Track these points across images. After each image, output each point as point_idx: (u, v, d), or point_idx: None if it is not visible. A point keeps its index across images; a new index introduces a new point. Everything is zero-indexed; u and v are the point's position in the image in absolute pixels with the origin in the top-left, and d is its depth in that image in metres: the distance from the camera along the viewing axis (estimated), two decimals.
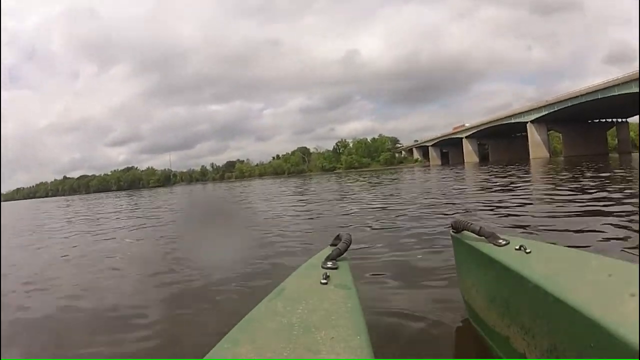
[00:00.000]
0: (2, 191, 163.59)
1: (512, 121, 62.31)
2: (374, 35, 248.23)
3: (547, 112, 55.40)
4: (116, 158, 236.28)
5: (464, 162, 70.23)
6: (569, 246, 1.67)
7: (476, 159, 72.37)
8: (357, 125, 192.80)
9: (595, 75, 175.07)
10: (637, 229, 3.78)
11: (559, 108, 53.10)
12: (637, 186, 7.95)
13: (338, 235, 1.83)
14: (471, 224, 1.72)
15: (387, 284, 2.86)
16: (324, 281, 1.33)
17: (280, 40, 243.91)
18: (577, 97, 50.08)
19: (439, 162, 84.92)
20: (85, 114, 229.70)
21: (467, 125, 78.04)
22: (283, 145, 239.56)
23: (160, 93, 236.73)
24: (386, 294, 2.66)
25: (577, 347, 1.02)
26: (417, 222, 5.31)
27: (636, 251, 3.02)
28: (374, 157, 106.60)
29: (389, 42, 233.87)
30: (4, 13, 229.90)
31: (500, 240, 1.56)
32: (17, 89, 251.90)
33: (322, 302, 1.18)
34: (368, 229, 5.32)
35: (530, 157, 56.33)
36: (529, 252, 1.41)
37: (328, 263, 1.52)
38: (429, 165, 78.36)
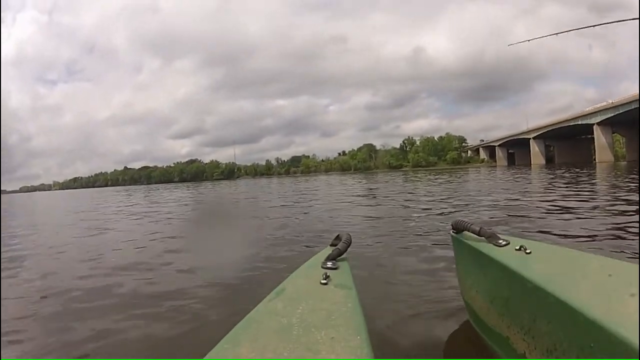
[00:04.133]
0: (59, 180, 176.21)
1: (579, 122, 60.96)
2: (440, 33, 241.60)
3: (612, 115, 54.11)
4: (179, 150, 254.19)
5: (530, 163, 69.89)
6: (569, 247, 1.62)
7: (543, 161, 72.05)
8: (423, 124, 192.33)
9: None
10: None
11: (624, 110, 51.79)
12: None
13: (338, 236, 1.87)
14: (471, 224, 1.75)
15: (386, 284, 2.94)
16: (324, 281, 1.35)
17: (346, 37, 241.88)
18: (637, 100, 48.13)
19: (505, 163, 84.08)
20: (148, 106, 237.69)
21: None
22: (348, 141, 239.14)
23: (225, 87, 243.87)
24: (386, 294, 2.72)
25: (577, 347, 1.03)
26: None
27: (636, 251, 3.03)
28: (441, 156, 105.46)
29: (455, 40, 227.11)
30: (58, 10, 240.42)
31: (501, 241, 1.59)
32: (76, 81, 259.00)
33: (322, 302, 1.19)
34: (370, 229, 5.53)
35: (596, 160, 56.15)
36: (529, 253, 1.44)
37: (328, 263, 1.55)
38: (495, 166, 77.96)
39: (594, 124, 57.93)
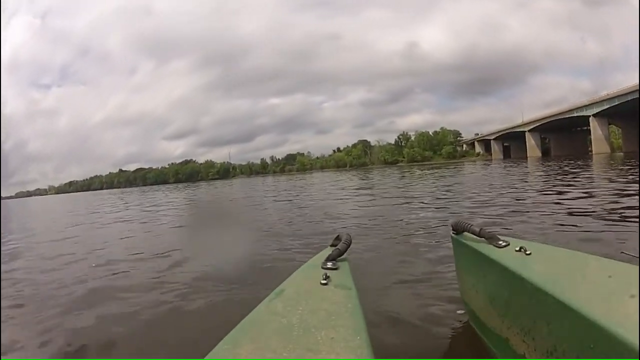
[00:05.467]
0: (54, 184, 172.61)
1: (575, 114, 61.23)
2: (434, 28, 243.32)
3: (608, 106, 54.40)
4: (173, 151, 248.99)
5: (526, 156, 70.21)
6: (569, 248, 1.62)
7: (539, 154, 72.15)
8: (417, 119, 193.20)
9: None
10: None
11: (620, 102, 52.15)
12: None
13: (338, 236, 1.88)
14: (471, 225, 1.76)
15: (386, 285, 2.93)
16: (324, 282, 1.36)
17: (340, 34, 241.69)
18: (636, 90, 48.56)
19: (501, 156, 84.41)
20: (142, 108, 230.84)
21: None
22: (343, 138, 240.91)
23: (220, 86, 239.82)
24: (386, 294, 2.74)
25: (577, 348, 1.04)
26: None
27: (636, 252, 2.81)
28: (436, 150, 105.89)
29: (449, 34, 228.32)
30: (51, 14, 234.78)
31: (501, 242, 1.60)
32: (70, 85, 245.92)
33: (322, 303, 1.20)
34: (370, 229, 5.54)
35: (593, 152, 56.30)
36: (529, 254, 1.44)
37: (328, 263, 1.57)
38: (491, 159, 78.22)
39: (589, 116, 58.24)
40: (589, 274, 1.25)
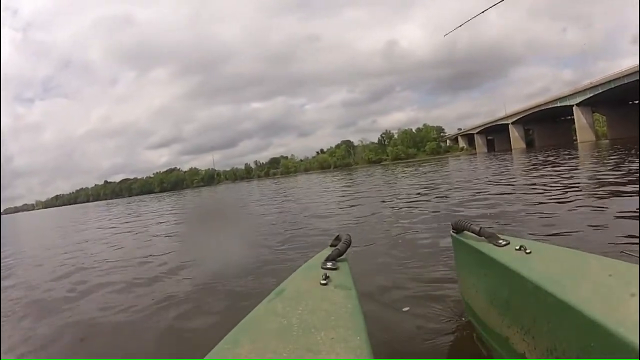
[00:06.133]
0: (41, 199, 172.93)
1: (558, 105, 61.32)
2: (412, 25, 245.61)
3: (591, 95, 54.68)
4: (157, 160, 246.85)
5: (510, 148, 70.24)
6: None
7: (523, 145, 71.89)
8: (400, 116, 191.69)
9: (627, 56, 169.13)
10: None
11: (603, 90, 52.42)
12: None
13: (337, 236, 1.87)
14: (471, 224, 1.75)
15: (386, 285, 2.91)
16: (324, 282, 1.35)
17: (320, 36, 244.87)
18: (619, 78, 49.57)
19: (485, 150, 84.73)
20: (125, 118, 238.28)
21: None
22: (326, 139, 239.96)
23: (202, 94, 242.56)
24: (386, 294, 2.72)
25: (577, 347, 1.04)
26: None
27: (636, 252, 3.02)
28: (420, 147, 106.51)
29: (427, 30, 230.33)
30: (33, 27, 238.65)
31: (501, 241, 1.59)
32: (53, 97, 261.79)
33: (321, 303, 1.20)
34: (369, 229, 5.50)
35: (578, 140, 56.38)
36: (529, 253, 1.44)
37: (328, 264, 1.55)
38: (475, 153, 78.54)
39: (573, 106, 58.47)
40: (589, 273, 1.23)
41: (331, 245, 1.83)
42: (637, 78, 46.43)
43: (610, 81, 51.31)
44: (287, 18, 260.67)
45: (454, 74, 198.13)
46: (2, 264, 6.45)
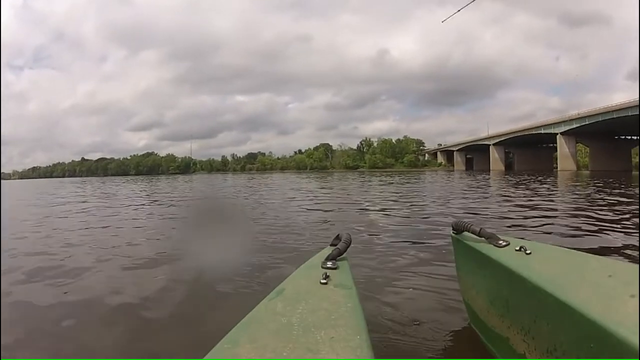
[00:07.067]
0: (18, 169, 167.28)
1: (543, 132, 61.99)
2: (406, 36, 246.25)
3: (577, 125, 55.23)
4: (137, 143, 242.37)
5: (489, 169, 70.51)
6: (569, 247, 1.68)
7: (502, 167, 72.50)
8: (381, 125, 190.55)
9: (619, 91, 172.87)
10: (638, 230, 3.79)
11: (590, 122, 52.89)
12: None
13: (338, 235, 1.85)
14: (472, 225, 1.75)
15: (386, 284, 2.90)
16: (324, 281, 1.34)
17: (312, 36, 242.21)
18: (608, 112, 50.00)
19: (463, 168, 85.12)
20: (110, 97, 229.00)
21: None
22: (305, 140, 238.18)
23: (188, 81, 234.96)
24: (386, 294, 2.69)
25: (577, 347, 1.05)
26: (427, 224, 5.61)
27: (636, 251, 3.04)
28: (398, 158, 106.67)
29: (421, 43, 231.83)
30: None
31: (501, 242, 1.59)
32: (43, 68, 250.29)
33: (322, 302, 1.19)
34: (369, 229, 5.51)
35: (558, 168, 56.71)
36: (529, 253, 1.44)
37: (328, 263, 1.54)
38: (453, 170, 78.81)
39: (557, 134, 59.09)
40: (589, 273, 1.24)
41: (331, 245, 1.81)
42: (627, 114, 46.91)
43: (599, 114, 51.82)
44: (282, 15, 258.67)
45: (441, 89, 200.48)
46: None
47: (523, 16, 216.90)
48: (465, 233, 1.82)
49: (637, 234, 3.61)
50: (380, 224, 5.97)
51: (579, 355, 1.03)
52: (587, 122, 53.69)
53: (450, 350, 1.94)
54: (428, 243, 4.19)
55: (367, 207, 8.68)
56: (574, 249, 1.65)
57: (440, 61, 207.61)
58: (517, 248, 1.50)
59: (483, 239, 1.67)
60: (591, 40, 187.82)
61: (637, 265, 1.17)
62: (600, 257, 1.38)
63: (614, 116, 49.11)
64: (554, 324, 1.15)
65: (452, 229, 1.94)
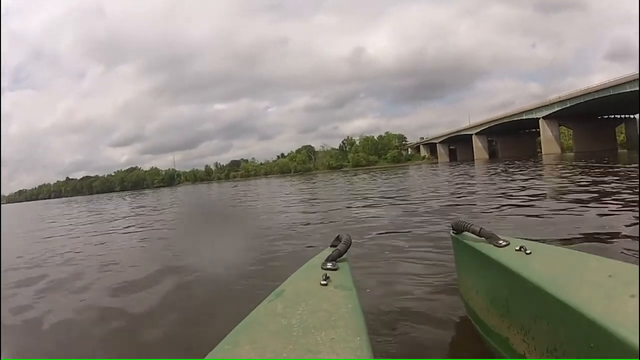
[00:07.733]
0: (5, 193, 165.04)
1: (524, 117, 62.26)
2: (381, 33, 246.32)
3: (559, 109, 55.45)
4: (119, 159, 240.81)
5: (473, 158, 70.17)
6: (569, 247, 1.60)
7: (486, 156, 72.56)
8: (362, 123, 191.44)
9: (597, 72, 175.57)
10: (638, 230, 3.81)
11: (572, 104, 53.06)
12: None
13: (338, 236, 1.86)
14: (471, 224, 1.75)
15: (386, 285, 2.90)
16: (324, 282, 1.35)
17: (289, 39, 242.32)
18: (589, 93, 50.09)
19: (447, 159, 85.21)
20: (89, 113, 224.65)
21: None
22: (286, 144, 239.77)
23: (167, 92, 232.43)
24: (386, 294, 2.70)
25: (577, 347, 1.05)
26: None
27: (636, 252, 3.07)
28: (381, 154, 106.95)
29: (396, 39, 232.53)
30: (9, 14, 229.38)
31: (501, 241, 1.59)
32: (22, 89, 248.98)
33: (322, 303, 1.20)
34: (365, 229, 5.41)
35: (543, 152, 57.09)
36: (529, 253, 1.45)
37: (328, 264, 1.55)
38: (437, 162, 78.90)
39: (539, 118, 59.32)
40: (589, 273, 1.24)
41: (331, 246, 1.82)
42: (609, 94, 47.37)
43: (580, 96, 52.15)
44: (258, 19, 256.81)
45: (419, 84, 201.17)
46: None
47: (497, 7, 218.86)
48: (465, 233, 1.80)
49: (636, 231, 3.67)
50: (375, 224, 5.78)
51: (579, 355, 1.04)
52: (568, 105, 53.94)
53: (450, 350, 1.95)
54: (427, 243, 4.13)
55: (358, 207, 8.50)
56: (574, 249, 1.67)
57: (416, 56, 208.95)
58: (517, 248, 1.48)
59: (483, 238, 1.66)
60: (567, 25, 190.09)
61: (637, 266, 1.16)
62: (600, 257, 1.36)
63: (595, 97, 49.28)
64: (554, 324, 1.16)
65: (452, 229, 1.93)
